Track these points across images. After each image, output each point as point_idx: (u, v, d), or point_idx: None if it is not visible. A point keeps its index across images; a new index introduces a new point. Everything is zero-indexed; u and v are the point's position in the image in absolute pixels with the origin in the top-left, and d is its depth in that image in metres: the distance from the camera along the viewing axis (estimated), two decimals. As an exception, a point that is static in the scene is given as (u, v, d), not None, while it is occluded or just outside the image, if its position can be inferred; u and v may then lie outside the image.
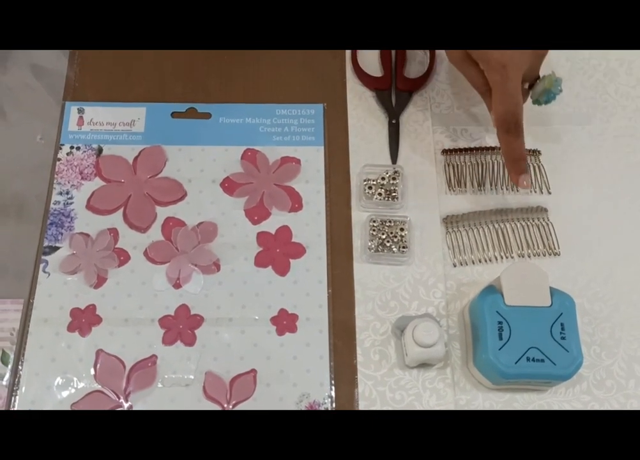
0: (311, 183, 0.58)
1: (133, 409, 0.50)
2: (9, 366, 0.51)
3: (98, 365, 0.51)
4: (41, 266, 0.54)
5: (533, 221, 0.57)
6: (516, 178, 0.54)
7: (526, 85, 0.54)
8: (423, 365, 0.52)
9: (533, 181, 0.58)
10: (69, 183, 0.57)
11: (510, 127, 0.52)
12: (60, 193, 0.57)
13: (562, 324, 0.48)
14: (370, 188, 0.57)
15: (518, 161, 0.54)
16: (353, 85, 0.62)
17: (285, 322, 0.53)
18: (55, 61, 0.62)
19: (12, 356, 0.51)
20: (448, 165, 0.59)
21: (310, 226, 0.56)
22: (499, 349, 0.48)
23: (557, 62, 0.64)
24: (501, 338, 0.48)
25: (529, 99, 0.55)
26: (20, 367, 0.51)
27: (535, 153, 0.59)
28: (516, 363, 0.47)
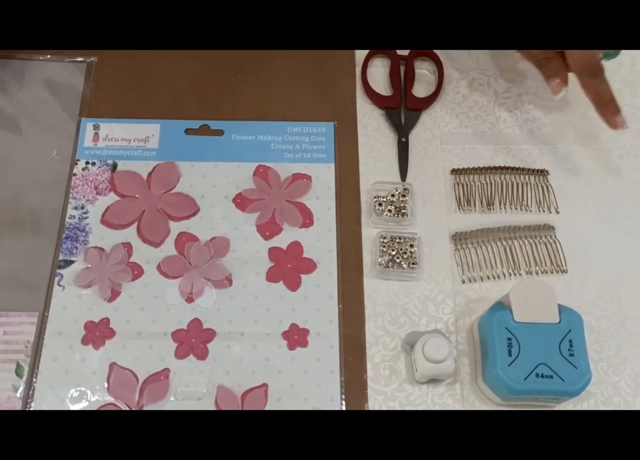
0: (322, 200, 0.59)
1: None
2: (24, 378, 0.51)
3: (111, 378, 0.52)
4: (56, 279, 0.55)
5: (541, 238, 0.58)
6: (613, 120, 0.55)
7: None
8: (433, 380, 0.52)
9: (541, 201, 0.59)
10: (84, 197, 0.58)
11: (595, 69, 0.53)
12: (76, 208, 0.58)
13: (570, 341, 0.49)
14: (380, 204, 0.58)
15: (609, 103, 0.54)
16: (363, 103, 0.64)
17: (296, 337, 0.54)
18: (71, 77, 0.63)
19: (26, 369, 0.52)
20: (458, 184, 0.60)
21: (320, 242, 0.57)
22: (508, 365, 0.48)
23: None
24: (510, 355, 0.49)
25: None
26: (34, 380, 0.51)
27: (543, 172, 0.60)
28: (525, 379, 0.48)
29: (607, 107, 0.55)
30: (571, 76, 0.61)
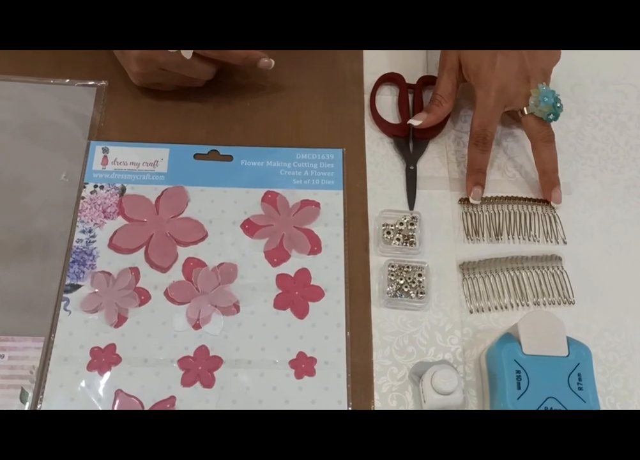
0: (330, 227, 0.59)
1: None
2: (27, 404, 0.51)
3: (117, 406, 0.51)
4: (63, 304, 0.54)
5: (548, 269, 0.58)
6: (470, 187, 0.59)
7: (522, 111, 0.59)
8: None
9: (549, 231, 0.59)
10: (92, 221, 0.58)
11: (479, 141, 0.59)
12: (83, 232, 0.57)
13: (579, 375, 0.49)
14: (388, 233, 0.58)
15: (477, 173, 0.60)
16: (371, 131, 0.64)
17: (303, 365, 0.53)
18: (82, 101, 0.63)
19: (31, 395, 0.51)
20: (466, 213, 0.60)
21: (328, 269, 0.57)
22: (517, 399, 0.48)
23: (569, 114, 0.66)
24: (519, 388, 0.49)
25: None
26: (39, 406, 0.51)
27: (550, 203, 0.61)
28: (534, 412, 0.48)
29: (473, 175, 0.59)
30: (572, 112, 0.63)
